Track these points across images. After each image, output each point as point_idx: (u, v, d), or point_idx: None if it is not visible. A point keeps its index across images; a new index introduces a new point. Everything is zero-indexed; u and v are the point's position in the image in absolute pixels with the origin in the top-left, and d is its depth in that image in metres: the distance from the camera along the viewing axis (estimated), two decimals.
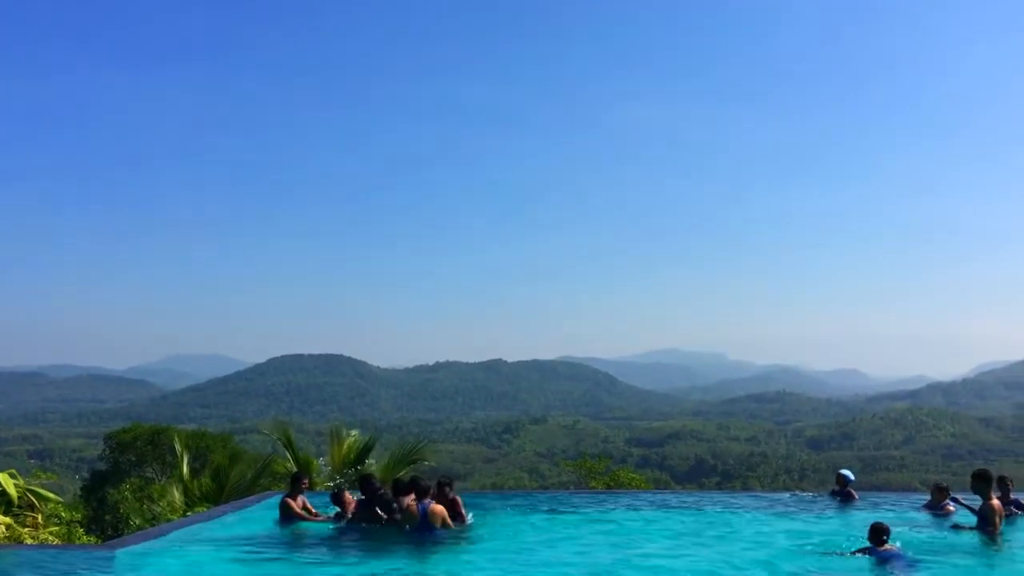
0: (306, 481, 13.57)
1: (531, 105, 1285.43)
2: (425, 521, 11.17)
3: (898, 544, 10.39)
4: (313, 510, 13.19)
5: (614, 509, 14.83)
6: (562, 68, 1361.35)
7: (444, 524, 11.31)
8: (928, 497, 14.36)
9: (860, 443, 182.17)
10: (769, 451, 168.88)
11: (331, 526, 12.47)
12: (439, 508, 11.39)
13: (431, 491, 11.63)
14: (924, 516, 13.59)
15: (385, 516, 11.75)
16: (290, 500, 12.99)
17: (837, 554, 10.40)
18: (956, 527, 12.20)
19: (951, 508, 13.42)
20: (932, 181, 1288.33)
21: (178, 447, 20.01)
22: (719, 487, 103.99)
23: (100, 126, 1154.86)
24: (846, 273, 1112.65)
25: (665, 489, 34.06)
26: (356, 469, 17.88)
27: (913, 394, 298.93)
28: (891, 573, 9.78)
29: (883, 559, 10.00)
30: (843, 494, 15.42)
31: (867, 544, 10.28)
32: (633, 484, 27.71)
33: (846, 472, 15.98)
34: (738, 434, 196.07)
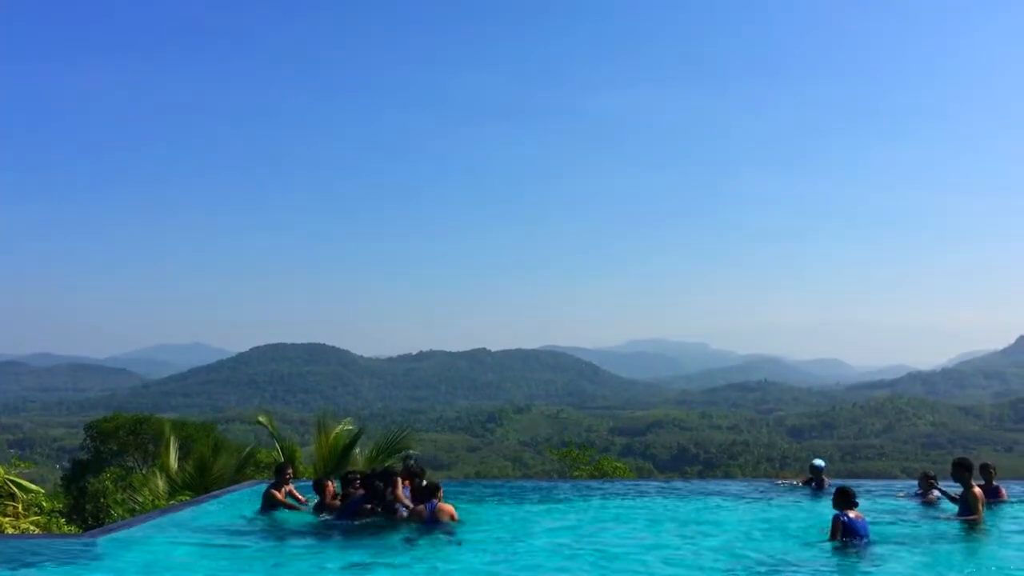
0: (290, 471, 13.51)
1: (513, 95, 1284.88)
2: (434, 521, 11.09)
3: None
4: (300, 497, 13.21)
5: (602, 498, 14.86)
6: (546, 58, 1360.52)
7: (451, 520, 11.26)
8: (916, 485, 14.47)
9: (840, 432, 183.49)
10: (751, 439, 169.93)
11: (316, 517, 12.39)
12: (447, 507, 11.29)
13: (439, 490, 11.44)
14: (910, 504, 13.68)
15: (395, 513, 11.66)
16: (275, 491, 12.95)
17: (817, 542, 10.37)
18: (939, 516, 12.28)
19: (934, 497, 13.51)
20: (913, 172, 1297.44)
21: (167, 433, 19.91)
22: (701, 475, 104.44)
23: (86, 117, 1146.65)
24: (827, 264, 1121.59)
25: (650, 478, 34.27)
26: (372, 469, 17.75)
27: (893, 383, 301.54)
28: (858, 551, 9.83)
29: (854, 533, 10.00)
30: (817, 483, 15.60)
31: (835, 512, 10.21)
32: (617, 473, 27.71)
33: (818, 462, 16.13)
34: (720, 423, 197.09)
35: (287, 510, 12.82)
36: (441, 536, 10.75)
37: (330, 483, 12.81)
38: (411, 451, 19.78)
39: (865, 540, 10.05)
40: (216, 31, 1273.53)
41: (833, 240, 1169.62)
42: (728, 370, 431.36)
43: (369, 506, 11.73)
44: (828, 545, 10.00)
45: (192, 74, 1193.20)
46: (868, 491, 15.04)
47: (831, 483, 15.44)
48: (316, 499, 12.80)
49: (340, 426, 19.63)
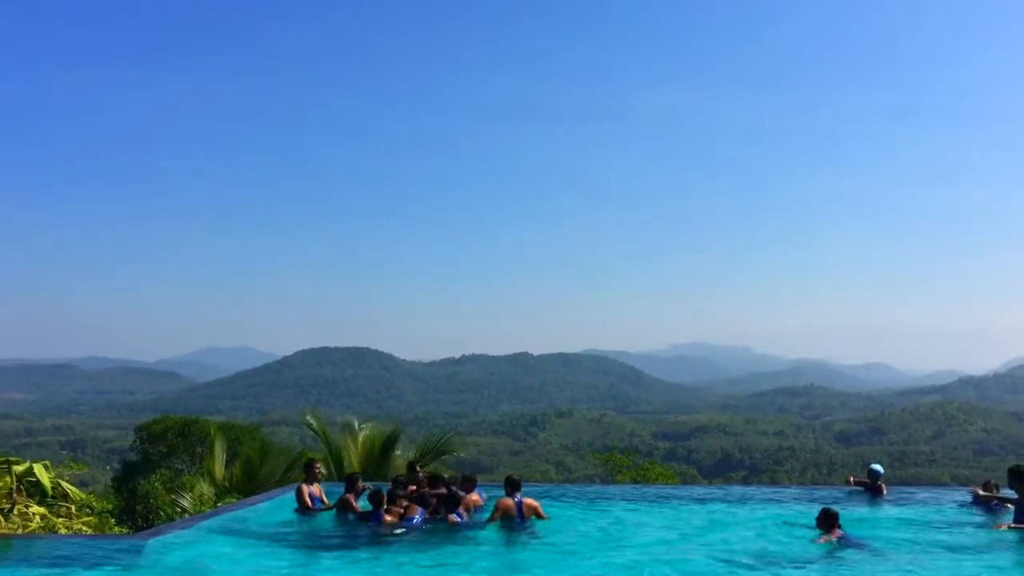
0: (319, 467, 13.73)
1: (551, 93, 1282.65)
2: (521, 515, 11.51)
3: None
4: (325, 500, 13.25)
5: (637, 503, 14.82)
6: (585, 56, 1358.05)
7: (536, 515, 11.74)
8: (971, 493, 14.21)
9: (889, 438, 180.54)
10: (797, 445, 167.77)
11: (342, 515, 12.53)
12: (532, 502, 11.81)
13: (519, 483, 11.91)
14: (970, 513, 13.41)
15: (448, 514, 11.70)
16: (304, 486, 13.07)
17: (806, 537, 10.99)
18: (1000, 525, 12.04)
19: (996, 505, 13.23)
20: (963, 168, 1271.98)
21: (217, 438, 20.19)
22: (746, 481, 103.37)
23: (130, 116, 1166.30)
24: (874, 264, 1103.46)
25: (694, 483, 34.10)
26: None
27: (943, 388, 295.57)
28: (849, 552, 10.32)
29: (840, 544, 10.59)
30: (874, 488, 15.43)
31: (820, 532, 10.87)
32: (662, 479, 27.53)
33: (876, 467, 15.94)
34: (765, 428, 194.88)
35: (322, 510, 12.94)
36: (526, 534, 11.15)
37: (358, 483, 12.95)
38: (454, 453, 19.86)
39: (843, 545, 10.62)
40: (249, 29, 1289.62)
41: (879, 240, 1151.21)
42: (773, 374, 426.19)
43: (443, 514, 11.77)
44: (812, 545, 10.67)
45: (231, 72, 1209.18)
46: (926, 500, 14.83)
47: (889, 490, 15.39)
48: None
49: (366, 429, 19.69)
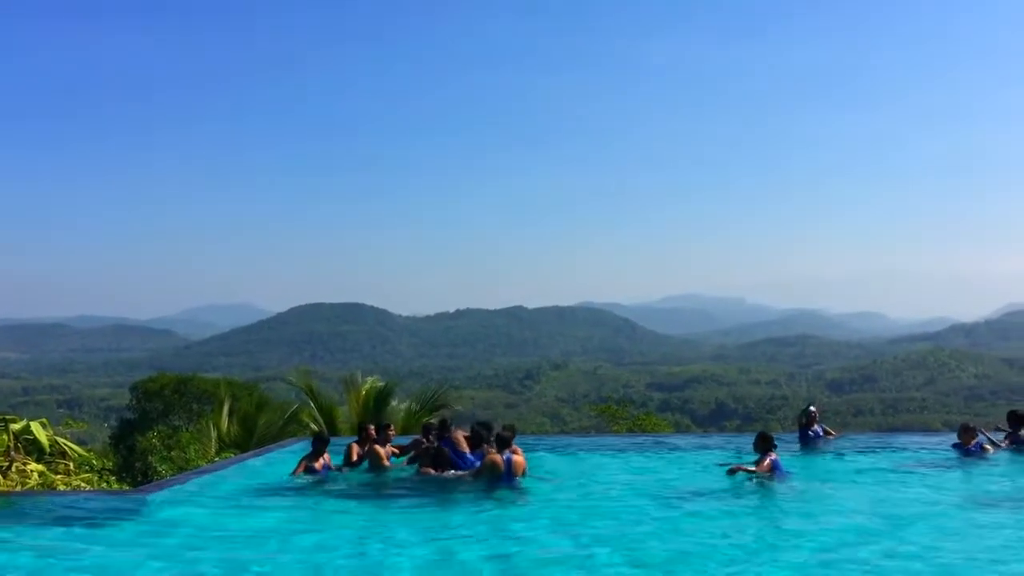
0: (371, 428, 12.95)
1: (543, 39, 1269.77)
2: (509, 472, 10.75)
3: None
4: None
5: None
6: (576, 3, 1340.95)
7: (523, 474, 11.03)
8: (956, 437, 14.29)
9: (881, 385, 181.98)
10: (790, 394, 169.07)
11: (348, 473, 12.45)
12: (521, 459, 11.02)
13: (512, 440, 11.22)
14: (953, 457, 13.51)
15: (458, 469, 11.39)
16: (351, 453, 12.62)
17: (735, 468, 11.17)
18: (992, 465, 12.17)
19: (988, 448, 13.30)
20: (956, 112, 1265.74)
21: (221, 393, 20.40)
22: (739, 429, 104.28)
23: (138, 81, 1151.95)
24: (865, 213, 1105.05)
25: (688, 432, 34.42)
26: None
27: (935, 336, 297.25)
28: (773, 480, 10.75)
29: (778, 468, 10.95)
30: (808, 428, 15.30)
31: (755, 456, 11.12)
32: (657, 428, 27.74)
33: (810, 407, 15.79)
34: (759, 377, 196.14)
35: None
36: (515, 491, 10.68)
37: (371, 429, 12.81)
38: (449, 406, 19.94)
39: (788, 474, 11.01)
40: None
41: (870, 187, 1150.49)
42: (766, 324, 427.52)
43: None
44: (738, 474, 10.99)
45: (206, 25, 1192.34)
46: (902, 446, 14.92)
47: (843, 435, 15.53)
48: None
49: (369, 383, 19.78)
